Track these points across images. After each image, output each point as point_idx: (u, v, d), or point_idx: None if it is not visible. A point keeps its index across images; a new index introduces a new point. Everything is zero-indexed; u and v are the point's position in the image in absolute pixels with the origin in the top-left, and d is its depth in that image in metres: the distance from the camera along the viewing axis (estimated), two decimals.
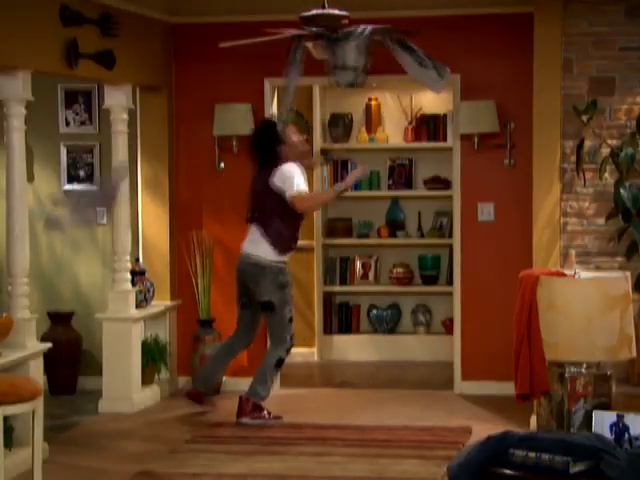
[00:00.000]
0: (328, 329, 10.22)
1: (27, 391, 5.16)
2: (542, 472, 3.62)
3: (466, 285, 8.56)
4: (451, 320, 9.06)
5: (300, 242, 8.72)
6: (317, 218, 10.04)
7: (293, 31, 6.52)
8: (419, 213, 10.15)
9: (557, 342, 4.83)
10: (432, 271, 10.06)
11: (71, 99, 8.87)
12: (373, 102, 10.18)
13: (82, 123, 8.89)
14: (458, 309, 8.62)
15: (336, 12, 6.41)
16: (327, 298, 10.23)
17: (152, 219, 8.65)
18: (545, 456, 3.64)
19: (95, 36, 7.45)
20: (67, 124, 8.89)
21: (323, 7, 6.43)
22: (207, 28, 8.59)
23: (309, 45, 6.44)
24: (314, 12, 6.42)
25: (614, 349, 4.81)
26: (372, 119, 10.18)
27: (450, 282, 9.27)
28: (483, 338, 8.41)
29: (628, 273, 5.35)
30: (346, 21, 6.44)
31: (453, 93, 8.60)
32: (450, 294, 8.97)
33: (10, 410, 5.08)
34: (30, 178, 8.23)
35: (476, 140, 8.40)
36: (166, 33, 8.64)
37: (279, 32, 6.49)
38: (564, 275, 5.18)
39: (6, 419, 5.29)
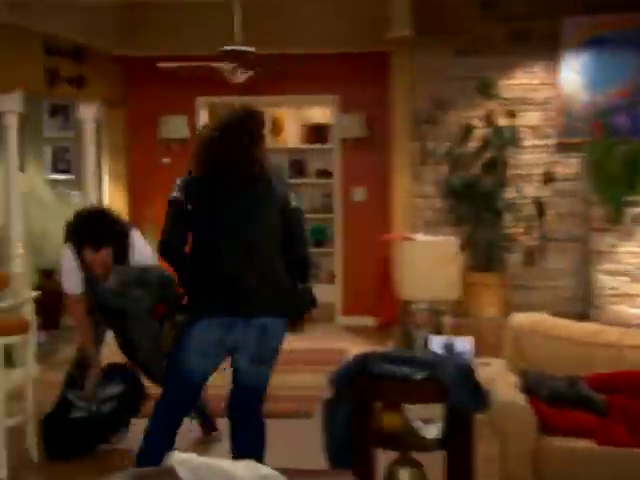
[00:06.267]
0: None
1: (21, 326, 5.05)
2: (395, 379, 3.67)
3: (344, 247, 8.63)
4: (333, 273, 9.11)
5: None
6: None
7: (211, 63, 6.52)
8: (310, 196, 10.16)
9: (406, 286, 4.91)
10: (320, 238, 10.09)
11: (54, 111, 8.74)
12: (278, 114, 10.13)
13: (62, 129, 8.74)
14: (339, 265, 8.68)
15: (244, 48, 6.41)
16: None
17: (115, 202, 8.51)
18: (397, 368, 3.68)
19: (70, 64, 7.30)
20: (51, 130, 8.73)
21: (236, 44, 6.43)
22: (152, 59, 8.45)
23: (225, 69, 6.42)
24: (229, 48, 6.41)
25: (444, 291, 4.89)
26: (277, 127, 10.13)
27: (332, 245, 9.32)
28: (356, 284, 8.48)
29: (455, 237, 5.46)
30: (255, 53, 6.44)
31: (334, 108, 8.64)
32: (332, 254, 9.03)
33: (9, 340, 4.97)
34: (22, 169, 8.06)
35: (350, 142, 8.45)
36: (122, 62, 8.49)
37: (202, 63, 6.49)
38: (410, 238, 5.25)
39: (7, 347, 5.19)
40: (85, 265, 4.56)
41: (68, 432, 4.87)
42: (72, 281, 4.68)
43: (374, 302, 7.40)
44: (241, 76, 6.41)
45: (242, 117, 3.80)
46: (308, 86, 8.45)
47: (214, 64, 6.35)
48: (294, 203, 3.82)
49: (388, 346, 7.05)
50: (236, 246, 3.70)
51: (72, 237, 4.51)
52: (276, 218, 3.80)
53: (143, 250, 4.54)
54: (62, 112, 8.75)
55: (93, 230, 4.45)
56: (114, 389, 5.01)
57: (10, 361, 6.11)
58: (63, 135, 8.76)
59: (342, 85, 8.40)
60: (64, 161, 8.77)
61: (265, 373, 3.84)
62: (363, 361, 3.70)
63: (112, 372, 5.09)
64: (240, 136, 3.74)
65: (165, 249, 3.72)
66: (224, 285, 3.70)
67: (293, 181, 10.10)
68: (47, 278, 8.51)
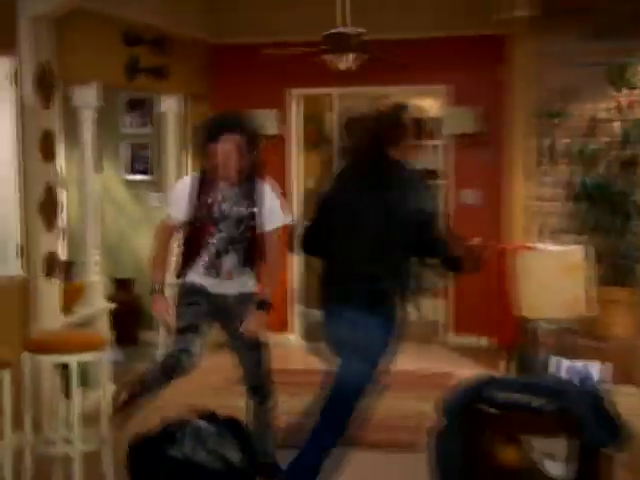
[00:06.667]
0: None
1: (97, 342, 5.20)
2: (513, 409, 3.65)
3: None
4: (445, 287, 9.08)
5: None
6: None
7: (314, 49, 6.57)
8: None
9: (526, 302, 4.85)
10: None
11: (133, 105, 8.92)
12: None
13: (141, 125, 8.94)
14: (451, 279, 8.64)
15: (350, 30, 6.43)
16: None
17: None
18: (516, 396, 3.66)
19: (151, 54, 7.49)
20: (129, 126, 8.95)
21: (343, 26, 6.45)
22: (240, 47, 8.62)
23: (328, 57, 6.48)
24: (333, 31, 6.44)
25: (571, 307, 4.82)
26: None
27: None
28: (467, 299, 8.43)
29: (583, 246, 5.36)
30: (364, 37, 6.46)
31: (443, 100, 8.64)
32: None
33: (84, 357, 5.13)
34: (100, 170, 8.29)
35: (461, 139, 8.42)
36: (207, 51, 8.67)
37: (301, 49, 6.56)
38: (529, 248, 5.19)
39: (82, 364, 5.36)
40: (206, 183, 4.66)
41: (161, 468, 4.88)
42: (178, 206, 4.74)
43: (488, 319, 7.33)
44: (351, 63, 6.43)
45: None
46: (415, 76, 8.44)
47: (322, 53, 6.39)
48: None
49: (505, 370, 6.99)
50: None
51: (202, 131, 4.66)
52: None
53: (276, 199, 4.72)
54: (141, 106, 8.95)
55: (229, 117, 4.67)
56: (227, 451, 5.03)
57: (84, 381, 6.31)
58: (141, 132, 8.96)
59: (453, 74, 8.38)
60: (142, 160, 8.98)
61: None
62: (477, 387, 3.70)
63: (227, 427, 5.11)
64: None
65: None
66: None
67: None
68: (123, 288, 8.76)
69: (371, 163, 4.26)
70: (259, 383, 4.79)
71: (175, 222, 4.78)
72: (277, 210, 4.70)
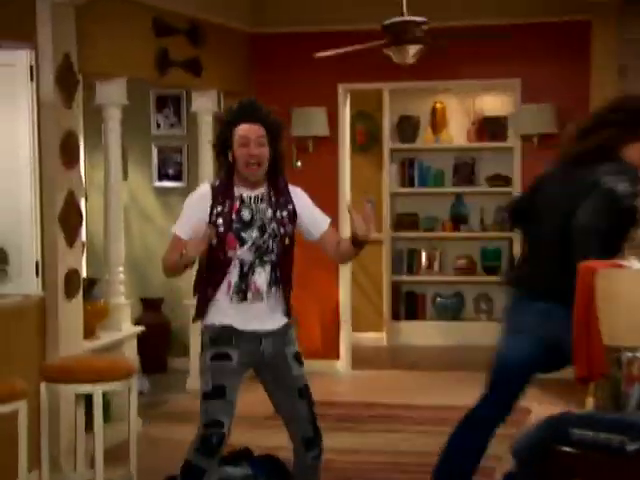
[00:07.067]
0: (396, 316, 10.24)
1: (123, 370, 5.25)
2: (600, 450, 3.61)
3: None
4: None
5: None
6: (386, 213, 10.07)
7: (375, 43, 6.57)
8: (481, 208, 10.13)
9: (614, 328, 4.81)
10: (494, 262, 10.04)
11: (162, 103, 9.00)
12: (439, 105, 10.17)
13: (171, 125, 9.01)
14: None
15: (415, 18, 6.42)
16: (395, 287, 10.25)
17: None
18: (603, 435, 3.62)
19: (184, 46, 7.54)
20: (158, 126, 9.02)
21: (402, 15, 6.44)
22: (283, 37, 8.66)
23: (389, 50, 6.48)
24: (394, 20, 6.43)
25: None
26: (438, 121, 10.17)
27: None
28: None
29: None
30: (425, 27, 6.46)
31: (514, 96, 8.61)
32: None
33: (108, 387, 5.17)
34: (125, 176, 8.37)
35: (535, 140, 8.37)
36: (247, 42, 8.72)
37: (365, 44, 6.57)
38: (620, 266, 5.14)
39: (104, 395, 5.40)
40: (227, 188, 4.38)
41: None
42: (185, 222, 4.39)
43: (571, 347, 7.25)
44: (413, 57, 6.42)
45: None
46: (480, 68, 8.44)
47: (384, 47, 6.39)
48: None
49: (588, 407, 6.93)
50: None
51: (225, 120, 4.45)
52: None
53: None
54: (172, 104, 9.03)
55: (253, 105, 4.43)
56: (237, 471, 5.11)
57: (108, 413, 6.36)
58: (172, 133, 9.04)
59: (524, 66, 8.35)
60: (173, 165, 9.05)
61: None
62: (556, 425, 3.67)
63: (236, 458, 5.21)
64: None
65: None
66: None
67: (459, 189, 10.12)
68: (151, 309, 8.83)
69: (595, 156, 4.38)
70: (314, 433, 4.47)
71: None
72: (317, 210, 4.50)
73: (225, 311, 4.35)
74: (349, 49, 6.65)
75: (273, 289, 4.38)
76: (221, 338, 4.34)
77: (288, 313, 4.45)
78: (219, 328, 4.35)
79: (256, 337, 4.37)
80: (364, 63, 7.71)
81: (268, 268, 4.37)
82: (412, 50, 6.46)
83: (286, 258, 4.42)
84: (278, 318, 4.42)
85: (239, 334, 4.34)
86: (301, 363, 4.45)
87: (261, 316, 4.37)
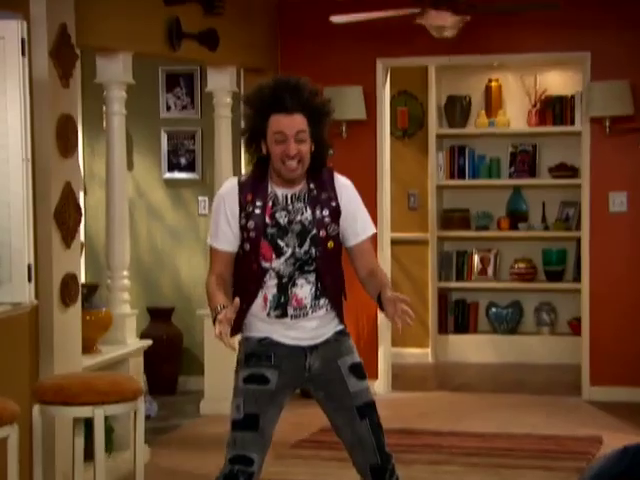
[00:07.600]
0: (443, 328, 10.22)
1: (128, 390, 5.25)
2: None
3: (595, 282, 8.48)
4: (578, 320, 8.99)
5: (413, 235, 8.66)
6: (432, 209, 10.03)
7: (408, 10, 6.56)
8: (543, 203, 10.09)
9: None
10: (557, 266, 9.99)
11: (172, 82, 9.00)
12: (494, 83, 10.14)
13: (183, 107, 9.01)
14: (586, 308, 8.55)
15: None
16: (442, 295, 10.23)
17: None
18: None
19: (198, 15, 7.55)
20: (168, 109, 9.03)
21: None
22: (315, 4, 8.63)
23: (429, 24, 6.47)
24: None
25: None
26: (492, 101, 10.14)
27: (577, 279, 9.20)
28: (614, 340, 8.33)
29: None
30: None
31: (583, 73, 8.54)
32: (577, 292, 8.92)
33: (111, 410, 5.17)
34: (130, 166, 8.38)
35: (608, 124, 8.32)
36: (272, 10, 8.72)
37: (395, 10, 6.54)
38: None
39: (106, 420, 5.40)
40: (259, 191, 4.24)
41: None
42: (221, 232, 4.29)
43: None
44: (451, 27, 6.43)
45: None
46: (543, 40, 8.40)
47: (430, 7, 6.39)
48: None
49: None
50: None
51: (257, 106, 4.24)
52: None
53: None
54: (185, 83, 9.04)
55: (290, 85, 4.20)
56: None
57: (110, 441, 6.38)
58: (184, 116, 9.04)
59: (595, 37, 8.31)
60: (185, 153, 9.06)
61: None
62: (632, 458, 3.64)
63: None
64: None
65: None
66: None
67: (517, 181, 10.08)
68: (159, 321, 8.84)
69: None
70: (381, 461, 4.34)
71: (226, 255, 4.29)
72: (363, 214, 4.36)
73: (263, 324, 4.26)
74: (374, 15, 6.61)
75: (321, 301, 4.28)
76: (257, 355, 4.24)
77: (342, 320, 4.35)
78: (255, 342, 4.26)
79: (300, 351, 4.26)
80: (407, 35, 7.71)
81: (312, 278, 4.26)
82: (450, 19, 6.46)
83: (333, 263, 4.28)
84: (328, 327, 4.32)
85: (279, 348, 4.24)
86: (361, 376, 4.31)
87: (306, 330, 4.27)
